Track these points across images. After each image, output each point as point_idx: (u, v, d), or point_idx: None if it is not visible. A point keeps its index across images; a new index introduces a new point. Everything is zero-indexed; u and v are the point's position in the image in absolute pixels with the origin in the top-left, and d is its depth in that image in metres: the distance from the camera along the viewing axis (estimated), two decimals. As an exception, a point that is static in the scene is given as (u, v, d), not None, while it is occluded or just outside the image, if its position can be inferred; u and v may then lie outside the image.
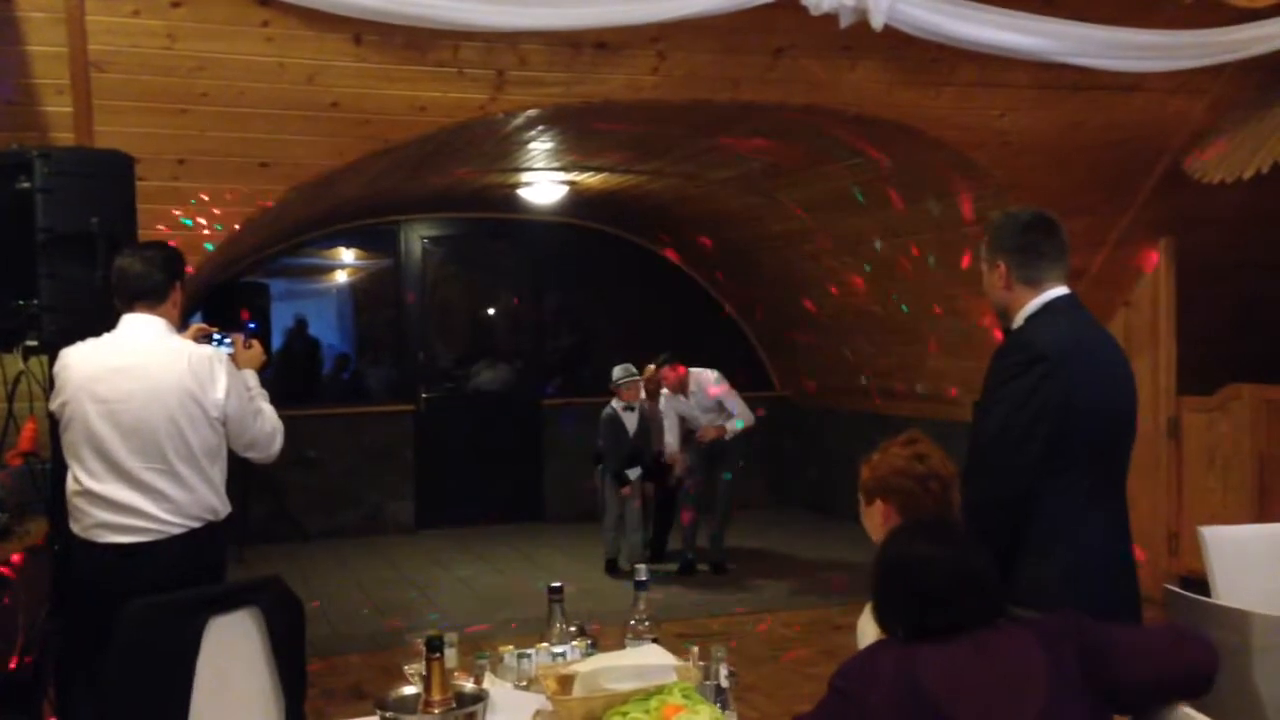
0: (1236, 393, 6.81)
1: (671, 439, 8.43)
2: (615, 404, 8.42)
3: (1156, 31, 5.94)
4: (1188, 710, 2.25)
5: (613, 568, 8.35)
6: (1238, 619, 3.25)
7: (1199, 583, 3.99)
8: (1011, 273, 3.07)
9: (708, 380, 8.37)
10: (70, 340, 3.72)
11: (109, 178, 4.20)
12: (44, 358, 4.06)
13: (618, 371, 8.43)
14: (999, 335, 3.26)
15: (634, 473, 8.36)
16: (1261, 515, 6.36)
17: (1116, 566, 3.05)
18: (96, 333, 3.69)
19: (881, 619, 2.36)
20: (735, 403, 8.37)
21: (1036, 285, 3.06)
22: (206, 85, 5.14)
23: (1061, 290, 3.06)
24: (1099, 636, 2.25)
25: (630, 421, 8.36)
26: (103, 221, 4.02)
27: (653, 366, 8.34)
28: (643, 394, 8.39)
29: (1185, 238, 7.08)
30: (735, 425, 8.31)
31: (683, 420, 8.53)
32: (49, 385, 3.82)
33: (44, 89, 4.90)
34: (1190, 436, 7.07)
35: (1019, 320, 3.08)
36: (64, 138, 4.88)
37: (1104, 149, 6.65)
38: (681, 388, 8.34)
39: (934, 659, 2.20)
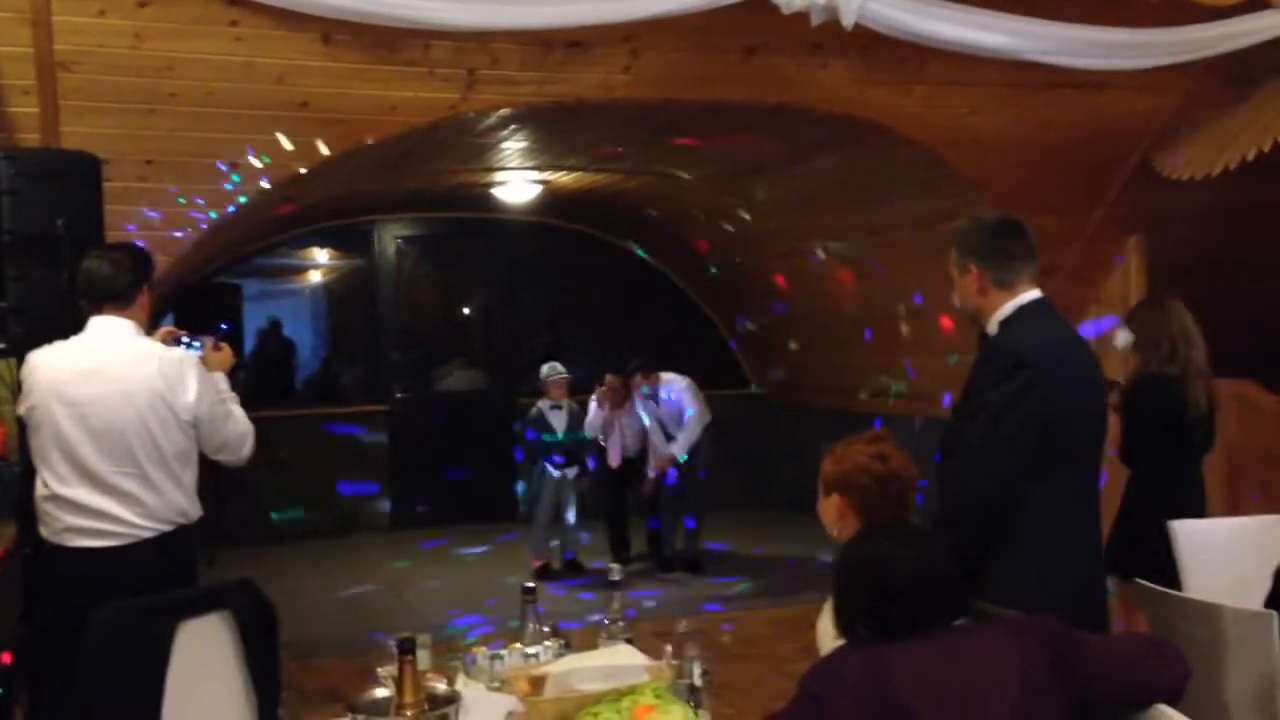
0: (1207, 388, 6.85)
1: (658, 440, 8.40)
2: (542, 403, 8.40)
3: (1125, 30, 5.97)
4: (1161, 707, 2.26)
5: (546, 573, 8.19)
6: (1207, 612, 3.27)
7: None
8: (985, 276, 3.09)
9: (679, 387, 8.35)
10: (37, 343, 3.69)
11: (76, 179, 4.18)
12: (11, 361, 4.03)
13: (544, 370, 8.43)
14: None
15: (571, 471, 8.35)
16: (1231, 509, 6.40)
17: (1091, 567, 3.08)
18: (64, 335, 3.67)
19: (843, 621, 2.36)
20: (692, 419, 8.28)
21: (1010, 288, 3.08)
22: (175, 85, 5.10)
23: (1034, 294, 3.09)
24: (1072, 643, 2.26)
25: (557, 420, 8.33)
26: (69, 223, 3.99)
27: (610, 377, 8.32)
28: (593, 401, 8.37)
29: (1156, 234, 7.13)
30: (678, 452, 8.28)
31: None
32: (16, 388, 3.79)
33: (9, 89, 4.84)
34: (1161, 431, 7.10)
35: (993, 325, 3.11)
36: (30, 138, 4.84)
37: (1074, 147, 6.68)
38: (654, 394, 8.33)
39: (903, 660, 2.20)
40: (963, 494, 2.96)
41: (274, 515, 9.73)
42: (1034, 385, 2.90)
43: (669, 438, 8.36)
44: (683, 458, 8.28)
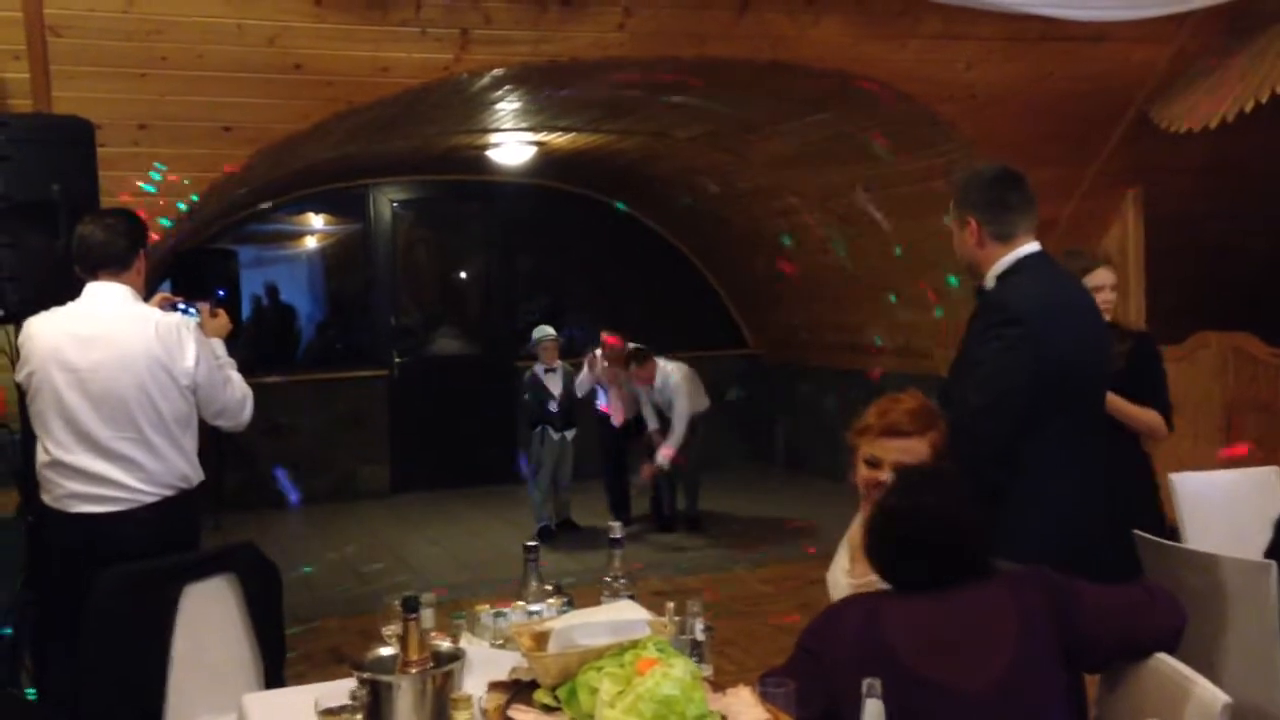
0: (1205, 340, 6.86)
1: (650, 420, 8.42)
2: (537, 367, 8.41)
3: (1122, -19, 5.94)
4: (1159, 655, 2.28)
5: (547, 534, 8.19)
6: (1205, 562, 3.29)
7: (1170, 528, 4.04)
8: (983, 229, 3.07)
9: (674, 379, 8.27)
10: (33, 310, 3.69)
11: (69, 144, 4.15)
12: (8, 328, 4.02)
13: (535, 334, 8.44)
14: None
15: (570, 433, 8.38)
16: (1230, 461, 6.43)
17: (1092, 520, 3.08)
18: (60, 302, 3.66)
19: (871, 556, 2.39)
20: (680, 414, 8.16)
21: (1008, 241, 3.06)
22: (166, 49, 5.06)
23: (1033, 247, 3.07)
24: (1070, 595, 2.28)
25: (553, 383, 8.34)
26: (64, 189, 3.97)
27: (606, 335, 8.28)
28: (599, 364, 8.35)
29: (1153, 187, 7.11)
30: (660, 460, 8.21)
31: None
32: (14, 356, 3.78)
33: None
34: (1159, 385, 7.11)
35: (990, 278, 3.09)
36: (22, 104, 4.81)
37: (1071, 100, 6.65)
38: (650, 380, 8.29)
39: (900, 615, 2.22)
40: (964, 454, 2.95)
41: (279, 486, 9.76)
42: (1026, 340, 2.89)
43: (663, 419, 8.34)
44: (666, 465, 8.23)
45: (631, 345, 8.28)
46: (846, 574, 2.77)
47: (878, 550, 2.38)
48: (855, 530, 2.85)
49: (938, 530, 2.29)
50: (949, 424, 2.88)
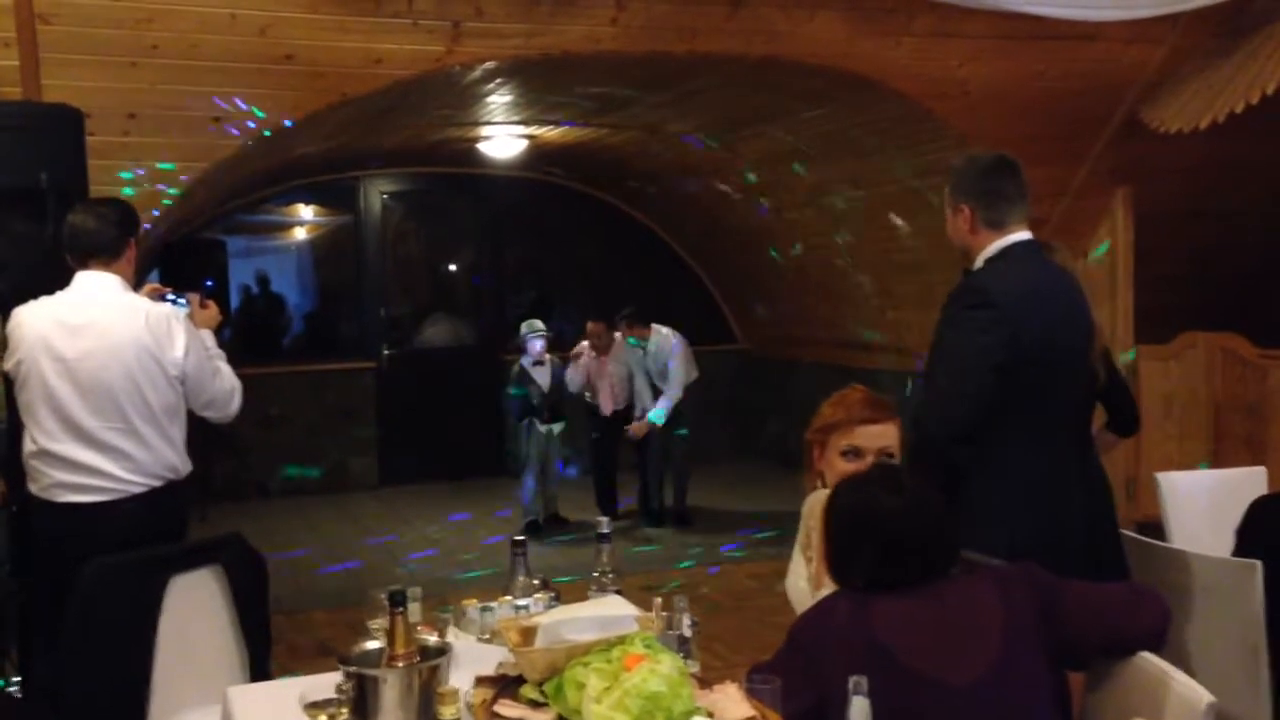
0: (1192, 340, 6.88)
1: (643, 391, 8.40)
2: (524, 359, 8.40)
3: (1115, -19, 5.94)
4: (1144, 654, 2.29)
5: (534, 528, 8.15)
6: (1192, 562, 3.30)
7: (1155, 527, 4.05)
8: (976, 216, 3.10)
9: (668, 340, 8.30)
10: (22, 298, 3.67)
11: (58, 132, 4.14)
12: (-2, 316, 4.00)
13: (523, 328, 8.44)
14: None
15: (558, 426, 8.38)
16: (1216, 460, 6.45)
17: (1066, 513, 3.08)
18: (49, 290, 3.65)
19: (840, 571, 2.37)
20: (676, 375, 8.21)
21: (1000, 228, 3.10)
22: (157, 37, 5.04)
23: (1023, 235, 3.10)
24: (1057, 593, 2.28)
25: (541, 376, 8.34)
26: (52, 177, 3.96)
27: (592, 324, 8.30)
28: (586, 355, 8.35)
29: (1143, 187, 7.11)
30: (652, 416, 8.21)
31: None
32: (1, 345, 3.77)
33: (-11, 42, 4.80)
34: (1147, 384, 7.14)
35: (979, 262, 3.12)
36: (11, 92, 4.78)
37: (1063, 99, 6.66)
38: (645, 335, 8.28)
39: (889, 610, 2.22)
40: (930, 433, 2.96)
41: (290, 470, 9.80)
42: (998, 324, 2.91)
43: (656, 391, 8.34)
44: (660, 421, 8.24)
45: (625, 310, 8.27)
46: (809, 592, 2.76)
47: (838, 556, 2.38)
48: (814, 538, 2.83)
49: (893, 532, 2.28)
50: (921, 401, 2.89)
